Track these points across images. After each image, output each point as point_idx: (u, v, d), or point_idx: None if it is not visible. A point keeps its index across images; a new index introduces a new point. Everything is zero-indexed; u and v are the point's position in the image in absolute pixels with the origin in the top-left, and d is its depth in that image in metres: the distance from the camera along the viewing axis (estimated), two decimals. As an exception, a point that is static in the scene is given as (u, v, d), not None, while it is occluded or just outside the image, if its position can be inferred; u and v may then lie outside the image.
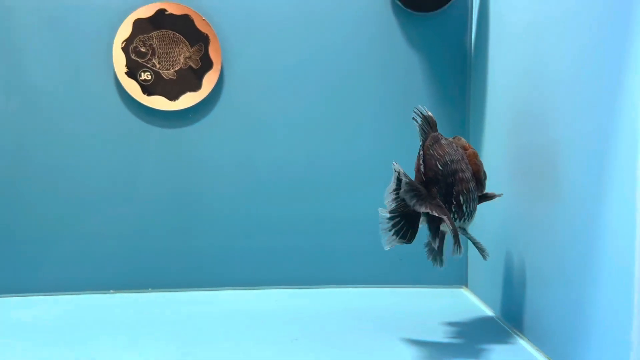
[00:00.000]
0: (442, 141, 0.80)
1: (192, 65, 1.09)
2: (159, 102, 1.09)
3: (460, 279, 1.14)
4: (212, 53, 1.09)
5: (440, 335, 0.86)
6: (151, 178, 1.10)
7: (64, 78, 1.07)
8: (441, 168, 0.77)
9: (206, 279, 1.11)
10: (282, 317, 0.94)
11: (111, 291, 1.09)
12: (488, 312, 0.97)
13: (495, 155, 0.98)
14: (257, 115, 1.11)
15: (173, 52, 1.09)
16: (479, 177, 0.84)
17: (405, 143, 1.12)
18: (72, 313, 0.96)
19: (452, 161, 0.78)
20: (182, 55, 1.09)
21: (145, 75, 1.08)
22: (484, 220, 1.01)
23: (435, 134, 0.81)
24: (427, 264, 1.12)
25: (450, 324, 0.91)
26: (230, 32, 1.10)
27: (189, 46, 1.09)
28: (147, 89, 1.08)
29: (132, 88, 1.08)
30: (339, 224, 1.13)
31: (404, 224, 0.76)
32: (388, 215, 0.75)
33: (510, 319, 0.90)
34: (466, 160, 0.81)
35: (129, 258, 1.10)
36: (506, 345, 0.82)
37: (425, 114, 0.80)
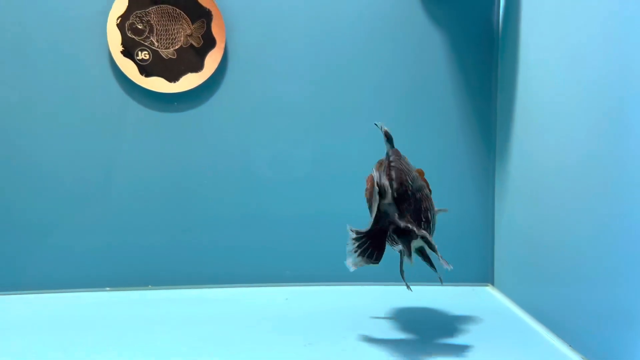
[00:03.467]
0: (403, 156, 0.81)
1: (194, 44, 1.06)
2: (157, 84, 1.06)
3: (484, 277, 1.10)
4: (215, 30, 1.06)
5: (468, 334, 0.82)
6: (150, 166, 1.07)
7: (54, 58, 1.04)
8: (411, 183, 0.77)
9: (209, 275, 1.08)
10: (295, 315, 0.90)
11: (107, 289, 1.06)
12: (517, 311, 0.93)
13: (527, 145, 0.94)
14: (263, 98, 1.08)
15: (173, 29, 1.06)
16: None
17: (424, 130, 1.08)
18: (68, 311, 0.94)
19: (415, 177, 0.79)
20: (183, 33, 1.06)
21: (142, 55, 1.05)
22: (513, 216, 0.97)
23: (395, 149, 0.81)
24: (449, 260, 1.09)
25: (478, 322, 0.88)
26: (234, 7, 1.06)
27: (189, 23, 1.06)
28: (145, 70, 1.05)
29: (129, 68, 1.05)
30: (356, 218, 1.09)
31: (370, 244, 0.76)
32: (354, 235, 0.76)
33: (542, 318, 0.86)
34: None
35: (127, 253, 1.07)
36: (539, 345, 0.79)
37: (382, 130, 0.81)
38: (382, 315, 0.90)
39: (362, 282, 1.09)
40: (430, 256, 0.82)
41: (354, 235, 0.76)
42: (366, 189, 0.89)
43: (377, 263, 0.78)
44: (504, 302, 0.99)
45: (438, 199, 1.09)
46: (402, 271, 0.82)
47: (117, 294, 1.04)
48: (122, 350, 0.76)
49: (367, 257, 0.76)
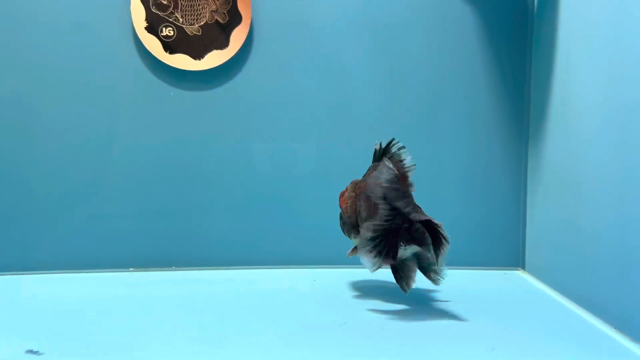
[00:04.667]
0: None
1: (219, 20, 1.04)
2: (182, 61, 1.04)
3: (515, 261, 1.09)
4: (241, 5, 1.04)
5: (509, 318, 0.80)
6: (174, 146, 1.05)
7: (76, 34, 1.02)
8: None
9: (235, 257, 1.07)
10: (325, 295, 0.89)
11: (131, 269, 1.05)
12: (555, 295, 0.92)
13: (565, 128, 0.92)
14: (290, 77, 1.06)
15: (197, 4, 1.04)
16: None
17: (456, 112, 1.07)
18: (93, 291, 0.92)
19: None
20: (208, 8, 1.04)
21: (167, 31, 1.03)
22: (549, 200, 0.96)
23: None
24: (476, 244, 1.08)
25: (517, 306, 0.86)
26: (261, -18, 1.05)
27: (215, -2, 1.04)
28: (169, 46, 1.04)
29: (153, 45, 1.03)
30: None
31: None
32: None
33: (583, 302, 0.84)
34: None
35: (151, 234, 1.05)
36: (583, 328, 0.77)
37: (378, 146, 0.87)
38: (412, 297, 0.89)
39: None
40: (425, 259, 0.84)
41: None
42: (345, 208, 0.90)
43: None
44: (538, 286, 0.97)
45: (467, 183, 1.08)
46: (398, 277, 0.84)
47: (141, 274, 1.02)
48: (152, 327, 0.74)
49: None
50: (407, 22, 1.06)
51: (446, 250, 0.78)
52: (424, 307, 0.85)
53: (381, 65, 1.06)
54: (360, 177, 0.92)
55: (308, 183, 1.07)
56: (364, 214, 0.85)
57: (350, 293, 0.91)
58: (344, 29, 1.06)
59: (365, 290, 0.93)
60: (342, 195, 0.92)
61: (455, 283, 0.97)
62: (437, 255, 0.78)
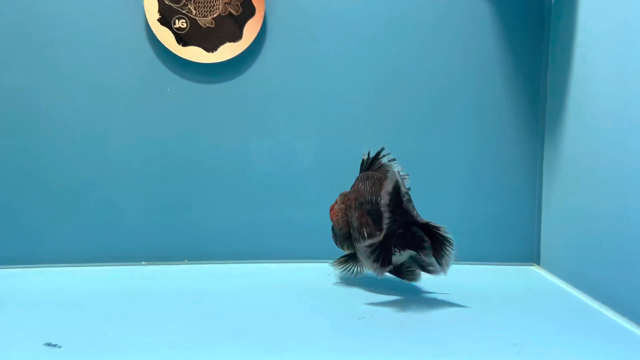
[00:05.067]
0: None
1: (232, 12, 1.03)
2: (195, 54, 1.03)
3: (529, 256, 1.08)
4: (255, -2, 1.03)
5: (524, 314, 0.80)
6: (186, 139, 1.05)
7: (88, 26, 1.02)
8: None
9: (246, 250, 1.06)
10: (338, 289, 0.88)
11: (143, 263, 1.04)
12: (573, 290, 0.91)
13: (583, 121, 0.91)
14: (304, 71, 1.05)
15: (211, -4, 1.03)
16: None
17: (471, 105, 1.06)
18: (104, 284, 0.92)
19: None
20: (221, 0, 1.03)
21: (180, 23, 1.03)
22: (566, 195, 0.95)
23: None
24: (490, 239, 1.08)
25: (532, 302, 0.86)
26: (275, -26, 1.04)
27: (228, -10, 1.03)
28: (182, 39, 1.03)
29: (166, 37, 1.02)
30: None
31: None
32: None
33: (604, 298, 0.84)
34: None
35: (163, 227, 1.05)
36: (602, 323, 0.77)
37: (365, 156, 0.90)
38: (428, 292, 0.88)
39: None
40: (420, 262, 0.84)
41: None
42: (336, 220, 0.91)
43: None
44: (555, 282, 0.97)
45: (481, 177, 1.07)
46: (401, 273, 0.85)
47: (153, 268, 1.02)
48: (168, 319, 0.74)
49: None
50: (423, 16, 1.05)
51: (449, 251, 0.78)
52: (440, 302, 0.84)
53: (396, 59, 1.05)
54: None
55: (323, 176, 1.06)
56: (356, 224, 0.86)
57: (362, 287, 0.90)
58: (357, 21, 1.05)
59: (377, 285, 0.92)
60: (332, 208, 0.93)
61: (470, 279, 0.97)
62: (440, 258, 0.78)
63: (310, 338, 0.70)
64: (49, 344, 0.63)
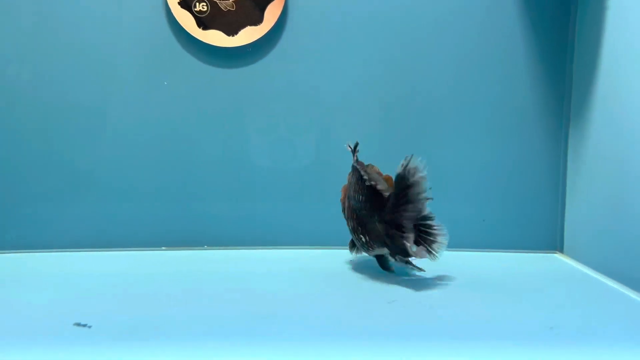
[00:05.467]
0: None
1: (254, -5, 1.02)
2: (215, 37, 1.02)
3: (552, 244, 1.07)
4: (276, -19, 1.02)
5: (554, 300, 0.79)
6: (206, 124, 1.04)
7: (108, 9, 1.01)
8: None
9: (263, 237, 1.05)
10: (360, 276, 0.87)
11: (163, 248, 1.03)
12: (599, 277, 0.90)
13: (611, 108, 0.90)
14: (325, 54, 1.04)
15: (232, -21, 1.02)
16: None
17: (496, 93, 1.05)
18: (129, 268, 0.91)
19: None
20: (243, -17, 1.02)
21: (200, 6, 1.01)
22: (593, 182, 0.94)
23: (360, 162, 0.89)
24: (512, 226, 1.06)
25: (559, 288, 0.84)
26: (297, -44, 1.02)
27: (250, -27, 1.02)
28: (203, 22, 1.02)
29: (186, 20, 1.01)
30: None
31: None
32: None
33: (630, 282, 0.82)
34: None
35: (182, 213, 1.04)
36: (632, 309, 0.75)
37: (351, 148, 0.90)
38: (452, 277, 0.87)
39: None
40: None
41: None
42: (342, 207, 0.92)
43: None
44: (581, 269, 0.95)
45: (504, 165, 1.06)
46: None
47: (173, 253, 1.01)
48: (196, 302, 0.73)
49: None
50: (445, 12, 1.03)
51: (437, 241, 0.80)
52: (467, 287, 0.83)
53: (420, 47, 1.04)
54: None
55: (347, 162, 1.05)
56: (346, 214, 0.89)
57: (387, 274, 0.89)
58: (380, 9, 1.03)
59: (400, 271, 0.91)
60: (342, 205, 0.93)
61: (494, 266, 0.96)
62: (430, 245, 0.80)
63: (346, 321, 0.68)
64: (79, 324, 0.62)
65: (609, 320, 0.71)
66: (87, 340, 0.60)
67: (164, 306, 0.73)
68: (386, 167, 0.89)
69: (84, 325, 0.62)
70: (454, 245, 1.05)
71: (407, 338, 0.64)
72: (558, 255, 1.04)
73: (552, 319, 0.70)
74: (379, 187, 0.83)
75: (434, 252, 0.79)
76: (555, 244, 1.06)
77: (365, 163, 0.91)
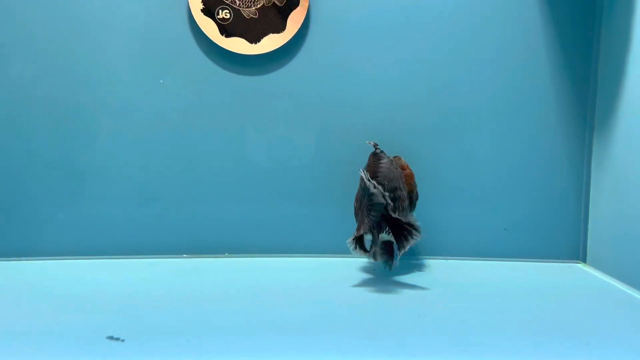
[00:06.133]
0: (383, 160, 0.88)
1: (276, 3, 1.02)
2: (238, 45, 1.02)
3: (575, 254, 1.06)
4: (300, -12, 1.01)
5: (585, 313, 0.78)
6: (228, 131, 1.03)
7: (131, 14, 1.00)
8: (387, 183, 0.86)
9: (284, 244, 1.05)
10: (386, 287, 0.87)
11: (184, 255, 1.03)
12: (625, 288, 0.89)
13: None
14: (347, 63, 1.03)
15: (255, -14, 1.01)
16: (412, 198, 0.94)
17: (518, 100, 1.04)
18: (150, 276, 0.90)
19: (393, 178, 0.87)
20: (266, -9, 1.01)
21: (223, 14, 1.01)
22: (616, 188, 0.93)
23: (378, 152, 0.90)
24: (535, 235, 1.05)
25: (587, 300, 0.84)
26: (321, -36, 1.02)
27: (273, -20, 1.01)
28: (226, 30, 1.01)
29: (209, 28, 1.01)
30: (437, 190, 1.05)
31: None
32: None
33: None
34: (403, 180, 0.90)
35: (203, 221, 1.03)
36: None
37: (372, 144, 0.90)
38: (483, 287, 0.87)
39: (444, 256, 1.06)
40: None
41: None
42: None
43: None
44: (606, 280, 0.95)
45: (527, 173, 1.05)
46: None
47: (194, 260, 1.01)
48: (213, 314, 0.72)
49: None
50: (467, 14, 1.03)
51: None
52: (494, 298, 0.82)
53: (442, 53, 1.03)
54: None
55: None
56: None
57: (412, 286, 0.89)
58: (403, 17, 1.03)
59: (420, 282, 0.90)
60: None
61: (517, 275, 0.95)
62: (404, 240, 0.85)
63: (376, 339, 0.68)
64: (111, 338, 0.61)
65: (635, 332, 0.70)
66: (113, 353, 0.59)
67: (190, 317, 0.72)
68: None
69: (117, 339, 0.61)
70: (475, 254, 1.06)
71: (438, 353, 0.63)
72: (582, 266, 1.03)
73: (584, 334, 0.69)
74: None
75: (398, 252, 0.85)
76: (578, 254, 1.06)
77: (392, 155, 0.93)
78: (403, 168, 0.95)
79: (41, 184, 1.01)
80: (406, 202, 0.90)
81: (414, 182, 0.95)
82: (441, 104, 1.04)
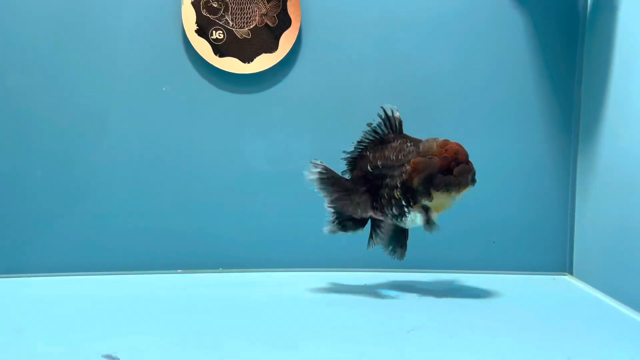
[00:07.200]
0: (392, 144, 0.88)
1: (269, 23, 1.04)
2: (231, 64, 1.04)
3: (561, 266, 1.08)
4: (291, 9, 1.04)
5: (568, 326, 0.80)
6: (222, 148, 1.05)
7: (127, 35, 1.02)
8: (370, 170, 0.88)
9: (281, 259, 1.06)
10: (377, 300, 0.88)
11: (179, 271, 1.05)
12: (612, 302, 0.91)
13: (623, 128, 0.91)
14: (338, 82, 1.05)
15: (248, 8, 1.03)
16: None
17: (501, 107, 1.06)
18: (143, 292, 0.92)
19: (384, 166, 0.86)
20: (258, 12, 1.03)
21: (217, 34, 1.03)
22: (602, 198, 0.94)
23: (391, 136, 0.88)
24: (520, 247, 1.07)
25: (573, 313, 0.86)
26: (311, -15, 1.04)
27: (265, 1, 1.03)
28: (219, 50, 1.03)
29: (203, 48, 1.03)
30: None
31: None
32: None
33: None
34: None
35: (196, 236, 1.05)
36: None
37: (391, 114, 0.89)
38: (471, 300, 0.88)
39: (433, 269, 1.07)
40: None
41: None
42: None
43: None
44: (593, 293, 0.96)
45: (511, 183, 1.06)
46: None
47: (188, 276, 1.02)
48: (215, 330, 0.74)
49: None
50: (451, 21, 1.05)
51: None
52: (482, 312, 0.84)
53: (433, 64, 1.05)
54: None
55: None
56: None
57: (401, 297, 0.90)
58: (391, 32, 1.05)
59: (407, 296, 0.92)
60: None
61: (503, 288, 0.97)
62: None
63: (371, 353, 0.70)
64: (109, 357, 0.63)
65: (626, 349, 0.71)
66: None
67: (194, 333, 0.74)
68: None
69: (114, 359, 0.63)
70: (462, 266, 1.07)
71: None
72: (568, 278, 1.05)
73: (569, 347, 0.71)
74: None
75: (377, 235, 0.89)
76: (564, 266, 1.07)
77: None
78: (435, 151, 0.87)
79: (31, 199, 1.02)
80: (396, 191, 0.87)
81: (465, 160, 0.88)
82: (424, 116, 1.05)
